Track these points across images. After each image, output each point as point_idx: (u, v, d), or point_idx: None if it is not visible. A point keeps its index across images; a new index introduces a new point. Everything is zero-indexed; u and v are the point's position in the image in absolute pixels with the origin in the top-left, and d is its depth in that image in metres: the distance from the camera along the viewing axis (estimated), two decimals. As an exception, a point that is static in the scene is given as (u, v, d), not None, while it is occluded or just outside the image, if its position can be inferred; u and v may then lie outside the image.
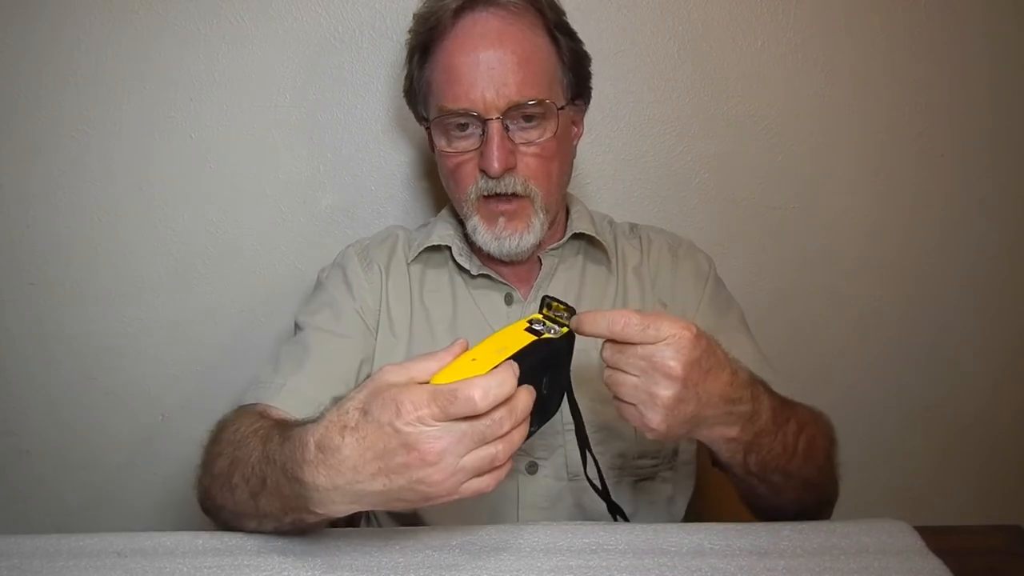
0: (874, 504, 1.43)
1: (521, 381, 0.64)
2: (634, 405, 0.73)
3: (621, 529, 0.81)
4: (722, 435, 0.79)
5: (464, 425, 0.62)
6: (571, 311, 0.73)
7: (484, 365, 0.64)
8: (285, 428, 0.74)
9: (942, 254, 1.42)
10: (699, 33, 1.32)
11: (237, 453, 0.79)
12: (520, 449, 0.67)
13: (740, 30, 1.33)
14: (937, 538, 0.78)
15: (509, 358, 0.65)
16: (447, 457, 0.62)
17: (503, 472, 0.66)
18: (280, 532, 0.78)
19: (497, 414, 0.63)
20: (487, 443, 0.63)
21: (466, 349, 0.68)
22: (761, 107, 1.35)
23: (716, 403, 0.75)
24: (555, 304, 0.74)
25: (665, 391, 0.71)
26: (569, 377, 0.77)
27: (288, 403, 0.91)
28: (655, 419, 0.73)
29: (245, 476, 0.76)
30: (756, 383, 0.80)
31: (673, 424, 0.73)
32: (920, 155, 1.39)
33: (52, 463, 1.41)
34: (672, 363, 0.71)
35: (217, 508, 0.82)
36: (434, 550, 0.76)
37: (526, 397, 0.65)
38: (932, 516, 0.88)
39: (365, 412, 0.64)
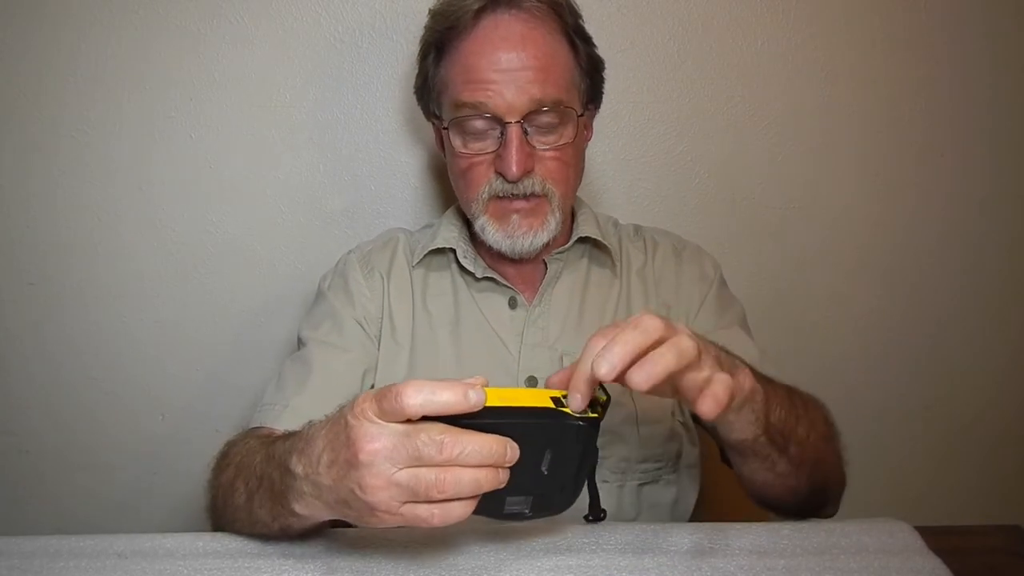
0: (874, 504, 1.43)
1: (510, 436, 0.61)
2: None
3: (621, 529, 0.81)
4: (745, 384, 0.74)
5: (400, 431, 0.59)
6: (607, 402, 0.67)
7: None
8: (296, 431, 0.73)
9: (942, 254, 1.43)
10: (699, 33, 1.32)
11: (244, 460, 0.80)
12: None
13: (740, 30, 1.33)
14: (937, 538, 0.78)
15: (505, 407, 0.62)
16: (380, 461, 0.59)
17: (452, 514, 0.61)
18: (272, 540, 0.78)
19: (437, 432, 0.59)
20: (425, 465, 0.59)
21: (486, 385, 0.64)
22: (761, 107, 1.35)
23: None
24: (601, 392, 0.68)
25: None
26: (592, 471, 0.70)
27: (292, 425, 0.90)
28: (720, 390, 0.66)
29: (246, 478, 0.77)
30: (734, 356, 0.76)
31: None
32: (920, 155, 1.39)
33: (52, 463, 1.41)
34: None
35: (218, 517, 0.83)
36: (434, 550, 0.76)
37: (490, 442, 0.60)
38: (932, 516, 0.88)
39: (341, 407, 0.64)
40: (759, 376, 0.78)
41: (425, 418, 0.60)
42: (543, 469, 0.65)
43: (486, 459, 0.60)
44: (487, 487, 0.61)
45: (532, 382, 1.01)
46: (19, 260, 1.34)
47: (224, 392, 1.39)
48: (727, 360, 0.73)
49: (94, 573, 0.74)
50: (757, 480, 0.87)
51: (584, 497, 0.78)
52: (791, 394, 0.84)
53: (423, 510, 0.61)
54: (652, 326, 0.65)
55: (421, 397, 0.58)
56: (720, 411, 0.65)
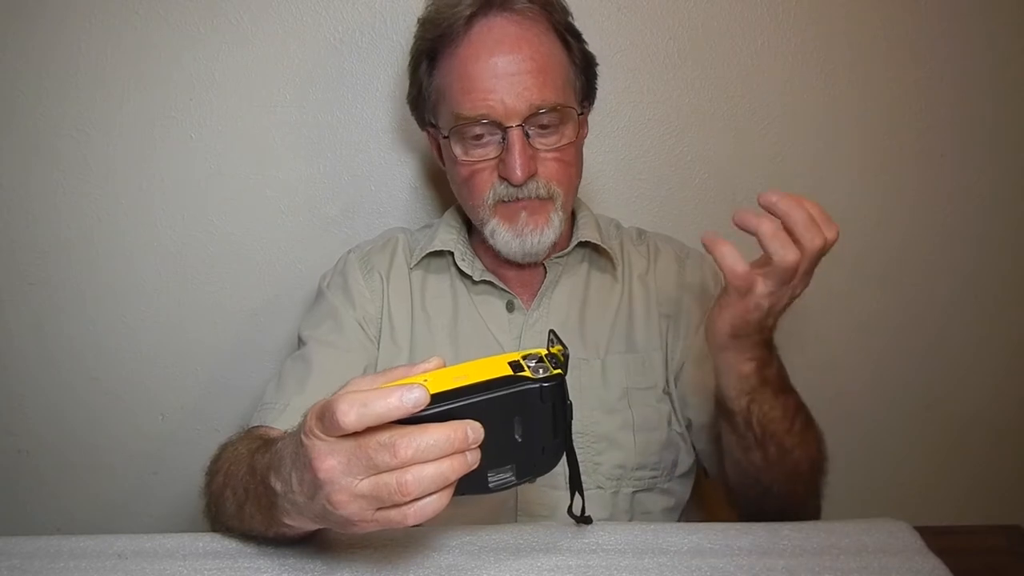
0: (874, 504, 1.44)
1: (470, 416, 0.59)
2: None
3: (621, 529, 0.81)
4: (739, 365, 0.82)
5: (351, 444, 0.58)
6: (566, 355, 0.66)
7: (432, 388, 0.59)
8: (275, 441, 0.73)
9: (943, 254, 1.42)
10: (699, 33, 1.32)
11: (231, 469, 0.80)
12: None
13: (740, 30, 1.33)
14: (937, 538, 0.78)
15: (462, 387, 0.60)
16: (339, 477, 0.58)
17: (427, 510, 0.59)
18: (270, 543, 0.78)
19: (387, 436, 0.57)
20: (383, 471, 0.58)
21: (442, 366, 0.63)
22: (761, 107, 1.35)
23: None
24: (556, 344, 0.67)
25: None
26: (568, 428, 0.67)
27: (291, 425, 0.90)
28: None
29: (233, 489, 0.77)
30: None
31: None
32: (921, 155, 1.38)
33: (52, 463, 1.41)
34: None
35: (213, 521, 0.84)
36: (434, 550, 0.76)
37: (446, 431, 0.58)
38: (932, 516, 0.88)
39: (301, 421, 0.63)
40: (783, 382, 0.86)
41: None
42: (517, 437, 0.63)
43: (445, 450, 0.58)
44: (455, 476, 0.59)
45: None
46: (19, 260, 1.34)
47: (224, 392, 1.39)
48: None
49: (94, 573, 0.74)
50: (730, 459, 0.91)
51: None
52: (797, 412, 0.87)
53: (396, 513, 0.59)
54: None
55: (354, 412, 0.57)
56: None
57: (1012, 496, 1.50)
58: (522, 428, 0.63)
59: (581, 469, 0.80)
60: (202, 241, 1.35)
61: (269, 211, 1.34)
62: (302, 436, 0.61)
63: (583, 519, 0.81)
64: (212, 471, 0.86)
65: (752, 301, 0.78)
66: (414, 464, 0.57)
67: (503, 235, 0.98)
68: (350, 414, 0.56)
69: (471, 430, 0.59)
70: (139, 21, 1.27)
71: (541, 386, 0.63)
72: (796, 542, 0.78)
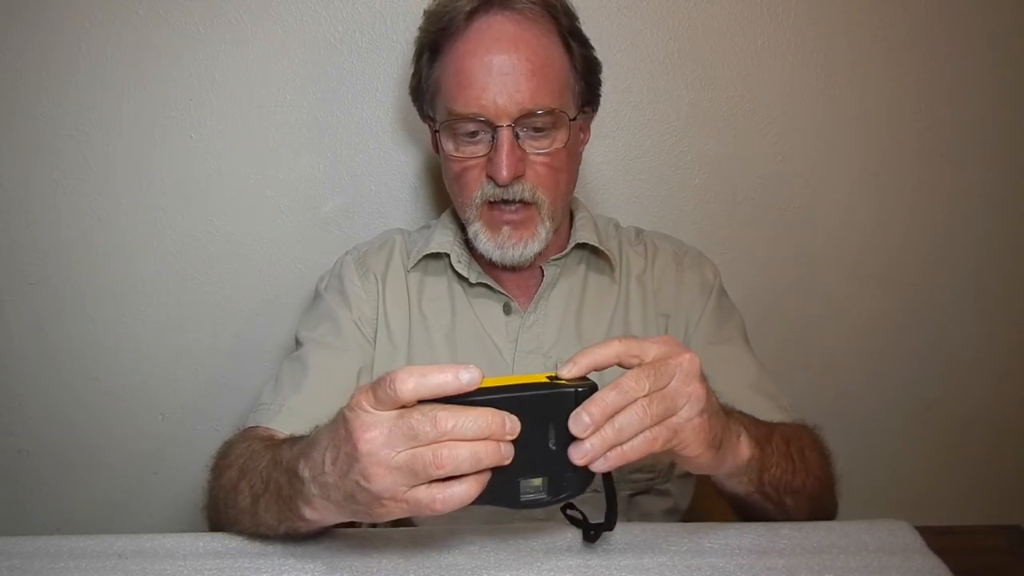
0: (874, 504, 1.43)
1: (508, 410, 0.61)
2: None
3: (621, 529, 0.80)
4: (742, 455, 0.75)
5: (394, 416, 0.60)
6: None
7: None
8: (303, 436, 0.73)
9: (942, 254, 1.43)
10: (699, 33, 1.32)
11: (247, 463, 0.80)
12: None
13: (740, 30, 1.33)
14: (937, 538, 0.78)
15: (501, 386, 0.63)
16: (379, 448, 0.60)
17: (455, 496, 0.60)
18: (274, 541, 0.78)
19: (429, 408, 0.60)
20: (421, 443, 0.59)
21: (483, 376, 0.64)
22: (761, 107, 1.35)
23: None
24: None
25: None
26: None
27: (288, 425, 0.90)
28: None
29: (251, 482, 0.77)
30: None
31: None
32: (920, 155, 1.39)
33: (52, 463, 1.41)
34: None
35: (218, 517, 0.83)
36: (434, 550, 0.76)
37: (486, 414, 0.60)
38: (932, 516, 0.88)
39: (342, 408, 0.65)
40: (759, 434, 0.78)
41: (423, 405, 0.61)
42: (550, 445, 0.65)
43: (482, 431, 0.60)
44: (488, 462, 0.60)
45: None
46: (19, 260, 1.34)
47: (224, 392, 1.39)
48: (724, 431, 0.71)
49: (94, 573, 0.74)
50: (750, 519, 0.86)
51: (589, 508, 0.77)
52: (788, 444, 0.83)
53: (425, 495, 0.61)
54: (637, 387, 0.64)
55: (413, 381, 0.59)
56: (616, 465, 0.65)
57: (1012, 496, 1.50)
58: (555, 436, 0.64)
59: None
60: (202, 241, 1.35)
61: (269, 211, 1.34)
62: (346, 412, 0.62)
63: (598, 527, 0.78)
64: (221, 467, 0.85)
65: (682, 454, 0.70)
66: (452, 440, 0.59)
67: (485, 241, 0.99)
68: (408, 382, 0.59)
69: (509, 420, 0.61)
70: (139, 21, 1.27)
71: (576, 390, 0.64)
72: (796, 541, 0.78)
